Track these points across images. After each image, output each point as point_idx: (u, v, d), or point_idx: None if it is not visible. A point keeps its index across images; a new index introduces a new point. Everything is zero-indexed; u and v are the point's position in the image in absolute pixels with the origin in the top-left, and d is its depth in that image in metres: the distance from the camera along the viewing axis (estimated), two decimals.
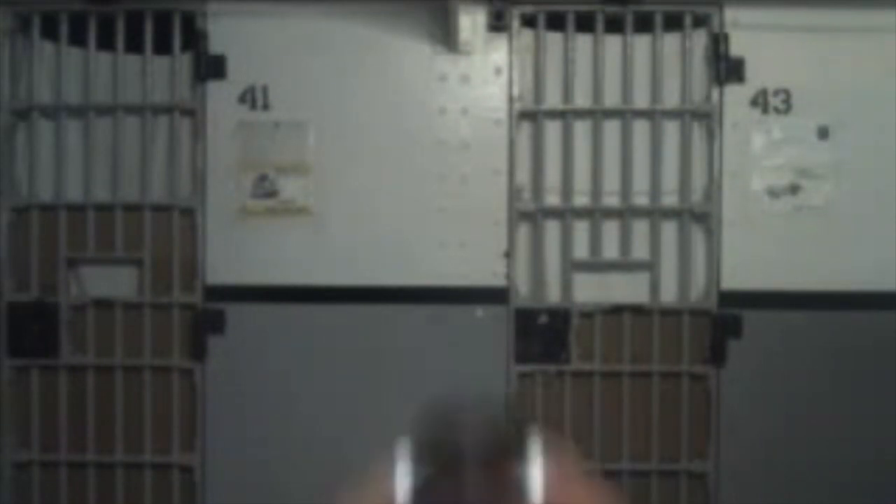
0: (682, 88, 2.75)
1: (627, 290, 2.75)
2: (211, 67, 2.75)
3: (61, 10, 2.78)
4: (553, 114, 2.76)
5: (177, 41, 2.77)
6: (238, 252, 2.75)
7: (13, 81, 2.81)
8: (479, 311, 2.72)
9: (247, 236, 2.76)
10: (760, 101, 2.72)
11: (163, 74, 2.79)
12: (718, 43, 2.72)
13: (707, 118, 2.74)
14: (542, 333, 2.73)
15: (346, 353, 2.74)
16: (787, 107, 2.72)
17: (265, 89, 2.75)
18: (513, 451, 0.81)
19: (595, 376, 2.74)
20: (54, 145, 2.81)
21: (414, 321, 2.72)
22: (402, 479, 0.81)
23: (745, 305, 2.70)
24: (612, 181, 2.75)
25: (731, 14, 2.72)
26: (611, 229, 2.76)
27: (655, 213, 2.75)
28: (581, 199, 2.76)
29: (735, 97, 2.73)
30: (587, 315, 2.74)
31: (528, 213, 2.76)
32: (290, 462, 2.74)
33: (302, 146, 2.76)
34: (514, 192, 2.74)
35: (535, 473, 0.80)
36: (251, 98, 2.75)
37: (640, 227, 2.76)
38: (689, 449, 2.74)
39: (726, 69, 2.72)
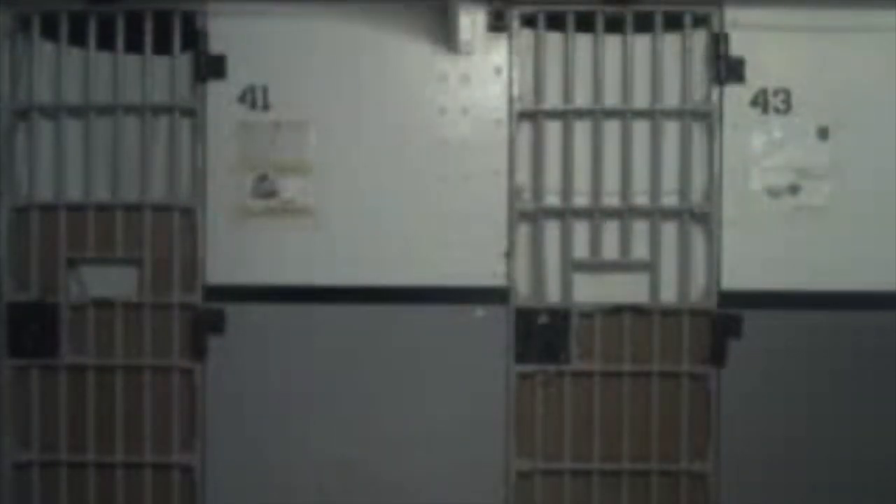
0: (682, 88, 2.76)
1: (627, 290, 2.76)
2: (211, 67, 2.76)
3: (61, 10, 2.78)
4: (553, 114, 2.76)
5: (177, 41, 2.78)
6: (238, 252, 2.76)
7: (13, 81, 2.81)
8: (480, 311, 2.73)
9: (247, 236, 2.76)
10: (760, 101, 2.73)
11: (163, 74, 2.79)
12: (718, 43, 2.73)
13: (707, 118, 2.74)
14: (542, 333, 2.74)
15: (345, 353, 2.74)
16: (787, 107, 2.73)
17: (265, 89, 2.75)
18: None
19: (595, 376, 2.75)
20: (54, 145, 2.81)
21: (414, 321, 2.72)
22: None
23: (745, 305, 2.71)
24: (612, 181, 2.76)
25: (731, 14, 2.73)
26: (611, 229, 2.76)
27: (655, 214, 2.75)
28: (581, 200, 2.76)
29: (735, 97, 2.73)
30: (587, 315, 2.75)
31: (528, 213, 2.76)
32: (290, 462, 2.75)
33: (302, 146, 2.76)
34: (514, 192, 2.75)
35: None
36: (251, 98, 2.76)
37: (640, 228, 2.76)
38: (689, 449, 2.75)
39: (726, 69, 2.72)
